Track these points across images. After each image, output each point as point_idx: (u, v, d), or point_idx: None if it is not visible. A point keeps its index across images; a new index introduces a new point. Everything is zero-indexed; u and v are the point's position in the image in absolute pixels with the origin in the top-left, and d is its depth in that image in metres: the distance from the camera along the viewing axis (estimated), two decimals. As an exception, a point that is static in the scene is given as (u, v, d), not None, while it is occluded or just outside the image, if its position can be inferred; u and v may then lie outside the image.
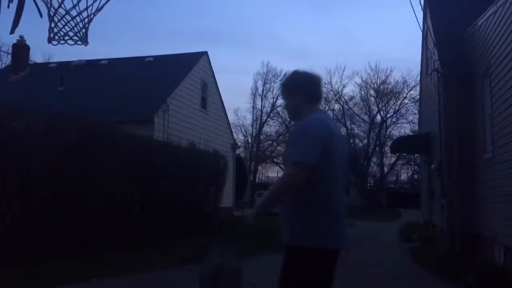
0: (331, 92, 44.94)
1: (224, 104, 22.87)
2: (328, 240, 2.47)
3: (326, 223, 2.46)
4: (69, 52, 18.92)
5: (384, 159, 48.34)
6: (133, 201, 10.06)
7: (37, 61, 27.60)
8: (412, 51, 78.31)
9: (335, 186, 2.54)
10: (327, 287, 2.53)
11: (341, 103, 45.03)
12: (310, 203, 2.44)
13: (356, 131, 47.34)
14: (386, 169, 49.65)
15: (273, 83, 50.48)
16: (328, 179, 2.48)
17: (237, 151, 27.59)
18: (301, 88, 2.67)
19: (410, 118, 42.91)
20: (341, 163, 2.61)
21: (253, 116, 50.72)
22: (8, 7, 3.19)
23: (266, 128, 50.74)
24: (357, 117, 46.13)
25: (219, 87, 22.15)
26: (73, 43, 3.39)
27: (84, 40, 3.43)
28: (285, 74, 49.48)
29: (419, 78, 21.40)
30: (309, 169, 2.36)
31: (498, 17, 7.52)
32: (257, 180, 52.83)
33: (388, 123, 45.26)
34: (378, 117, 45.32)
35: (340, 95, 44.91)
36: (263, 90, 50.37)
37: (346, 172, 2.77)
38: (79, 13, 3.33)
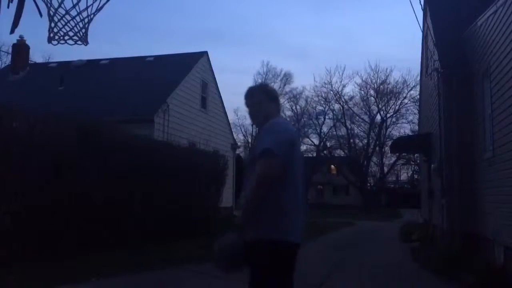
0: (331, 92, 45.05)
1: (224, 104, 22.88)
2: (287, 234, 2.61)
3: (287, 218, 2.61)
4: (69, 52, 18.96)
5: (384, 159, 48.38)
6: (133, 201, 10.05)
7: (37, 61, 27.61)
8: (412, 51, 78.42)
9: (295, 185, 2.67)
10: (287, 280, 2.69)
11: (341, 103, 45.09)
12: (272, 199, 2.55)
13: (356, 131, 47.41)
14: (386, 169, 49.67)
15: (273, 83, 50.55)
16: (289, 177, 2.61)
17: (237, 151, 27.59)
18: (277, 98, 3.02)
19: (410, 118, 42.99)
20: (300, 165, 2.78)
21: (253, 116, 50.67)
22: (8, 7, 3.19)
23: (266, 128, 50.64)
24: (357, 117, 46.19)
25: (219, 87, 22.16)
26: (73, 43, 3.39)
27: (84, 40, 3.43)
28: (284, 75, 49.52)
29: (419, 78, 21.42)
30: (279, 159, 2.49)
31: (498, 17, 7.52)
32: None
33: (388, 123, 45.31)
34: (378, 117, 45.38)
35: (340, 95, 44.99)
36: (263, 90, 50.33)
37: (305, 175, 2.93)
38: (79, 13, 3.33)
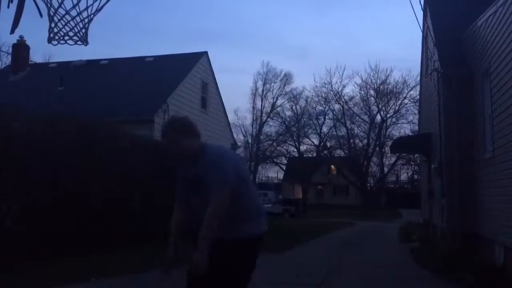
0: (331, 92, 45.06)
1: (224, 104, 22.88)
2: (259, 229, 3.04)
3: (256, 218, 3.03)
4: (69, 52, 18.97)
5: (384, 159, 48.37)
6: (133, 201, 10.05)
7: (37, 61, 27.60)
8: (412, 51, 78.48)
9: (251, 186, 3.11)
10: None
11: (341, 103, 45.11)
12: (242, 207, 2.92)
13: (356, 131, 47.41)
14: (386, 169, 49.66)
15: (273, 83, 50.66)
16: (247, 186, 3.01)
17: (237, 151, 27.60)
18: (194, 129, 3.09)
19: (410, 118, 42.99)
20: (247, 172, 3.38)
21: (253, 116, 50.83)
22: (8, 7, 3.19)
23: (266, 128, 50.72)
24: (357, 117, 46.19)
25: (219, 87, 22.16)
26: (73, 43, 3.39)
27: (84, 40, 3.43)
28: (284, 75, 49.48)
29: (419, 78, 21.41)
30: (232, 187, 2.85)
31: (498, 17, 7.52)
32: (257, 180, 52.85)
33: (388, 123, 45.32)
34: (378, 117, 45.39)
35: (340, 95, 45.00)
36: (263, 90, 50.49)
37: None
38: (79, 13, 3.33)
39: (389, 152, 35.19)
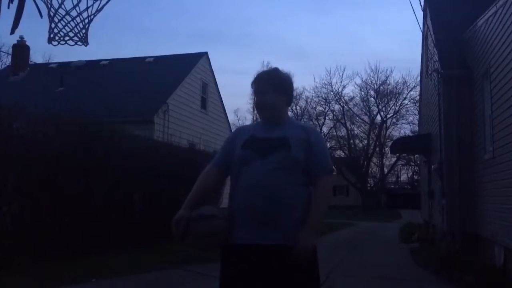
0: (331, 93, 45.01)
1: (224, 104, 22.89)
2: None
3: None
4: (69, 53, 19.02)
5: (384, 159, 48.35)
6: (133, 201, 10.05)
7: (37, 62, 27.66)
8: (412, 52, 78.41)
9: None
10: None
11: (341, 104, 45.04)
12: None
13: (356, 132, 47.34)
14: (386, 170, 49.65)
15: (273, 84, 50.50)
16: None
17: (237, 152, 27.61)
18: (289, 89, 2.66)
19: (410, 118, 42.92)
20: None
21: (253, 117, 50.69)
22: (8, 7, 3.19)
23: (266, 129, 50.61)
24: (357, 118, 46.14)
25: (219, 87, 22.18)
26: (73, 43, 3.40)
27: (84, 41, 3.43)
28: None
29: (419, 78, 21.42)
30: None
31: (498, 17, 7.53)
32: (257, 180, 52.69)
33: (388, 124, 45.25)
34: (378, 118, 45.32)
35: (340, 96, 44.93)
36: (263, 91, 50.33)
37: None
38: (79, 14, 3.33)
39: (389, 152, 35.15)
